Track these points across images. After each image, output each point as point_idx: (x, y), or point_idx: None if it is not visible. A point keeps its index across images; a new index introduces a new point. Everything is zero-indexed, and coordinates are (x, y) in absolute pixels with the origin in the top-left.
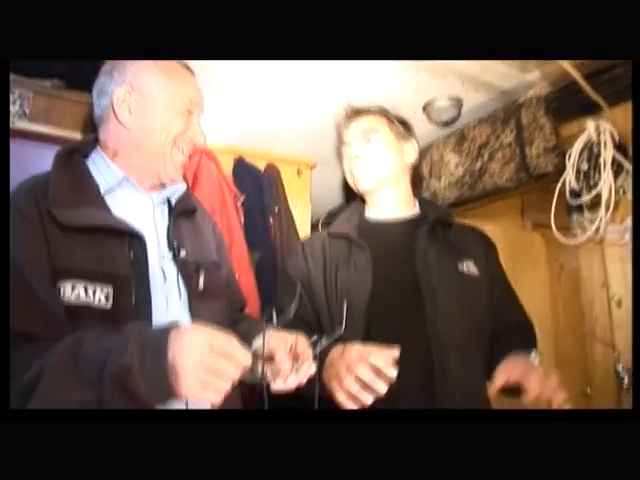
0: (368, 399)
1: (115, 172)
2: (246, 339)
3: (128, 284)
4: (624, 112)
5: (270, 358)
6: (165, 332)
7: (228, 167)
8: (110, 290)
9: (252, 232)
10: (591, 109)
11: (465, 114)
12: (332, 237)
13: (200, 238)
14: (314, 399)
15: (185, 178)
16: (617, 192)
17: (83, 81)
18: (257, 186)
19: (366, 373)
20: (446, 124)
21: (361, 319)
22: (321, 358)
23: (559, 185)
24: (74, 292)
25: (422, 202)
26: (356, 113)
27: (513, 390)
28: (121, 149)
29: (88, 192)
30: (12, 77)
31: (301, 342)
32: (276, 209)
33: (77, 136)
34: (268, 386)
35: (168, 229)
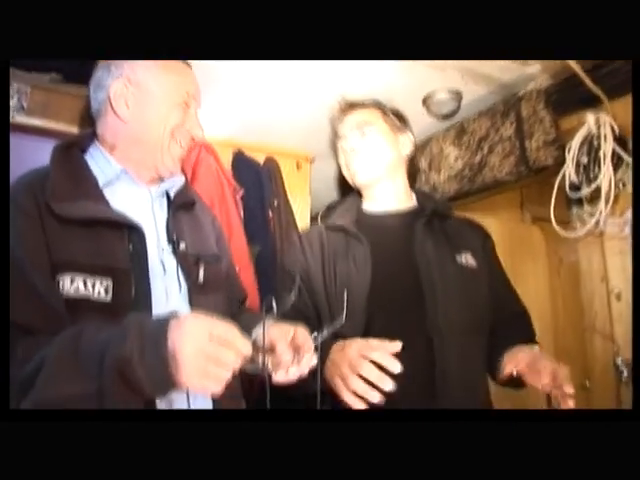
0: (375, 397)
1: (113, 165)
2: (246, 331)
3: (128, 277)
4: (624, 105)
5: (271, 350)
6: (164, 322)
7: (227, 161)
8: (110, 283)
9: (251, 226)
10: (591, 102)
11: (465, 107)
12: (330, 230)
13: (200, 231)
14: (316, 395)
15: (183, 171)
16: (617, 185)
17: (81, 75)
18: (256, 180)
19: (370, 371)
20: (446, 117)
21: (361, 312)
22: (322, 354)
23: (559, 178)
24: (73, 285)
25: (419, 194)
26: (350, 107)
27: (516, 382)
28: (119, 143)
29: (86, 185)
30: (10, 71)
31: (302, 334)
32: (275, 203)
33: (75, 130)
34: (270, 377)
35: (167, 222)
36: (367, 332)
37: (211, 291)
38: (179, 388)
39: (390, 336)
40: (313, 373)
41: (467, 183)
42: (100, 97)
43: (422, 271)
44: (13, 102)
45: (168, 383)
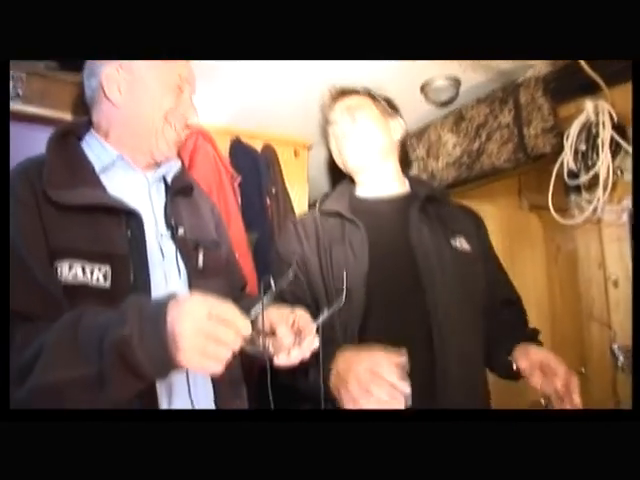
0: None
1: (109, 151)
2: (246, 313)
3: (126, 263)
4: (623, 92)
5: (272, 333)
6: (163, 303)
7: (225, 148)
8: (108, 269)
9: (249, 213)
10: (590, 89)
11: (463, 94)
12: (325, 216)
13: (198, 217)
14: (318, 397)
15: (180, 157)
16: (615, 173)
17: (77, 62)
18: (254, 167)
19: (384, 393)
20: (444, 104)
21: (360, 296)
22: (324, 358)
23: (557, 166)
24: (71, 272)
25: (412, 180)
26: (341, 93)
27: (516, 375)
28: (113, 128)
29: (83, 172)
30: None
31: (303, 317)
32: (273, 190)
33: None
34: (271, 360)
35: (165, 207)
36: (367, 316)
37: (211, 276)
38: (179, 369)
39: (390, 318)
40: (316, 357)
41: (465, 170)
42: (93, 84)
43: (419, 255)
44: None
45: (168, 364)
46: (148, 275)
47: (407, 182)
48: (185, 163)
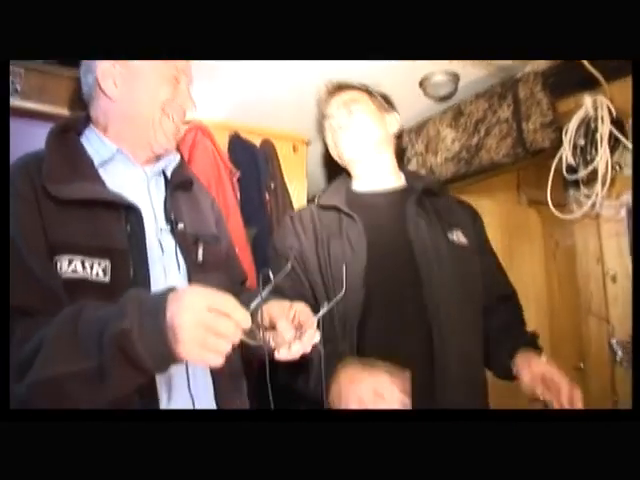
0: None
1: (108, 146)
2: (246, 306)
3: (126, 257)
4: (622, 87)
5: (272, 327)
6: (163, 296)
7: (223, 143)
8: (107, 264)
9: (248, 208)
10: (589, 84)
11: (462, 89)
12: (321, 209)
13: (198, 211)
14: (317, 404)
15: (180, 151)
16: (613, 168)
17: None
18: (253, 162)
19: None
20: (443, 99)
21: (359, 290)
22: (327, 371)
23: (555, 161)
24: (71, 267)
25: (407, 174)
26: (337, 88)
27: (513, 376)
28: (111, 123)
29: (82, 167)
30: None
31: (304, 311)
32: (272, 185)
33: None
34: (270, 354)
35: (165, 202)
36: (365, 311)
37: (210, 271)
38: (179, 361)
39: (388, 316)
40: (315, 349)
41: (464, 165)
42: (89, 80)
43: (416, 248)
44: None
45: (168, 357)
46: (148, 270)
47: (403, 176)
48: (184, 157)
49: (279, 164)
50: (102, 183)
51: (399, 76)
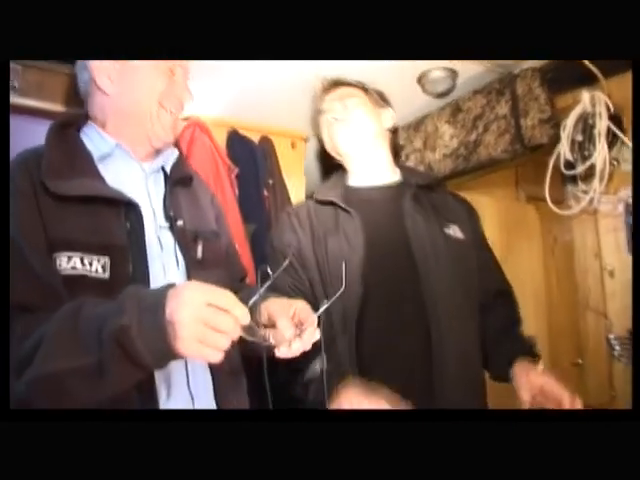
0: None
1: (108, 141)
2: (245, 302)
3: (125, 254)
4: (619, 83)
5: (272, 325)
6: (162, 291)
7: (222, 140)
8: (107, 261)
9: (246, 205)
10: (586, 80)
11: (460, 85)
12: (318, 204)
13: (198, 207)
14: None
15: (179, 146)
16: (611, 163)
17: None
18: (251, 159)
19: None
20: (441, 95)
21: (357, 286)
22: (328, 387)
23: (553, 157)
24: (70, 263)
25: (403, 169)
26: (333, 85)
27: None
28: (109, 118)
29: (82, 163)
30: None
31: (304, 309)
32: (270, 182)
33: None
34: (269, 351)
35: (165, 198)
36: (364, 305)
37: (210, 268)
38: (178, 358)
39: (386, 309)
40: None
41: (462, 162)
42: (85, 77)
43: (414, 243)
44: None
45: (167, 353)
46: (147, 267)
47: (399, 171)
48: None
49: (277, 160)
50: (102, 179)
51: (397, 72)
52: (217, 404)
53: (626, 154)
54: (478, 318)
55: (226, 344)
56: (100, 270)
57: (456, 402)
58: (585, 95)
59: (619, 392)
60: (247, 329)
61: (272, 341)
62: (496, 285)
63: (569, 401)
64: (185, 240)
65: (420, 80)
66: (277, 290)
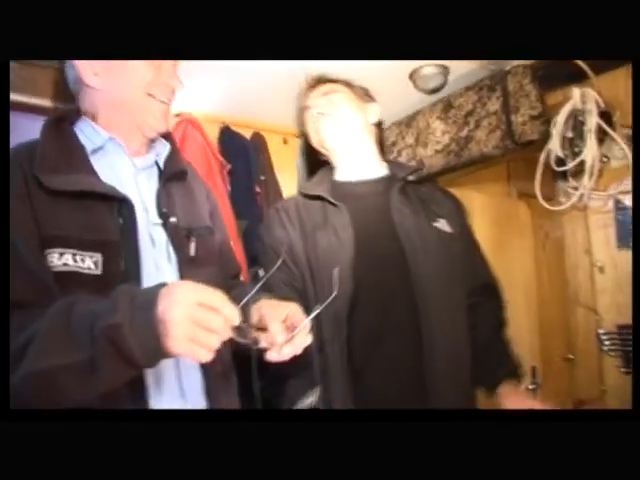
0: None
1: (101, 134)
2: (238, 302)
3: (118, 250)
4: (609, 80)
5: (264, 327)
6: (155, 290)
7: (214, 136)
8: (99, 257)
9: (239, 201)
10: (577, 77)
11: (452, 82)
12: (306, 199)
13: (193, 202)
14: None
15: (173, 139)
16: (601, 160)
17: None
18: (243, 155)
19: None
20: (432, 92)
21: (347, 281)
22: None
23: (544, 153)
24: (62, 260)
25: (390, 163)
26: (317, 81)
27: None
28: (100, 112)
29: (76, 158)
30: None
31: (296, 312)
32: (262, 178)
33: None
34: (260, 354)
35: (158, 195)
36: (355, 305)
37: (203, 265)
38: (169, 356)
39: (377, 309)
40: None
41: (454, 157)
42: (72, 75)
43: (402, 236)
44: None
45: (158, 351)
46: (139, 263)
47: (386, 165)
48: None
49: (269, 156)
50: (96, 175)
51: (389, 69)
52: (208, 402)
53: (615, 151)
54: (467, 318)
55: (216, 343)
56: (92, 266)
57: (449, 402)
58: (575, 92)
59: (609, 387)
60: (238, 331)
61: (263, 344)
62: (483, 280)
63: None
64: (178, 237)
65: (412, 76)
66: (270, 286)
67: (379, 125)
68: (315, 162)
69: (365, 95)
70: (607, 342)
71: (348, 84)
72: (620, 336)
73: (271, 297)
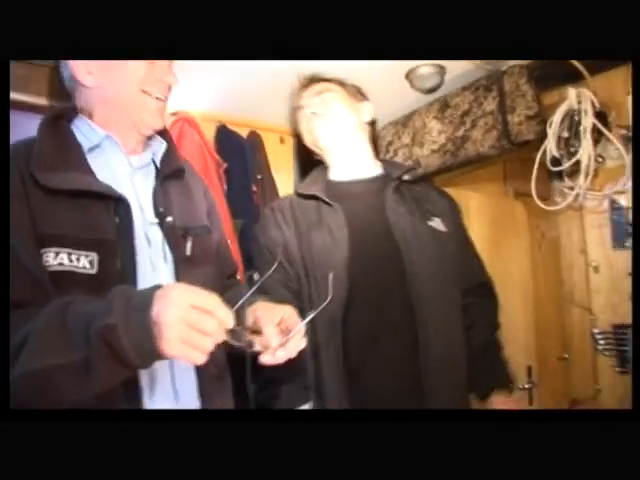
0: None
1: (98, 132)
2: (233, 304)
3: (114, 249)
4: (605, 80)
5: (258, 331)
6: (150, 291)
7: (210, 134)
8: (95, 256)
9: (235, 200)
10: (573, 77)
11: (448, 82)
12: (300, 198)
13: (190, 201)
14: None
15: (169, 137)
16: (596, 160)
17: None
18: (240, 154)
19: None
20: (429, 91)
21: (343, 281)
22: None
23: (540, 153)
24: (57, 259)
25: (384, 162)
26: (310, 81)
27: None
28: (95, 110)
29: (73, 156)
30: None
31: (291, 316)
32: (259, 177)
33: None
34: (253, 356)
35: (155, 194)
36: (350, 307)
37: (199, 265)
38: (164, 358)
39: (372, 310)
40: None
41: (450, 157)
42: (67, 74)
43: (397, 235)
44: None
45: (153, 353)
46: (135, 262)
47: (380, 165)
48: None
49: (266, 155)
50: (92, 173)
51: (385, 68)
52: (202, 404)
53: (611, 151)
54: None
55: (210, 346)
56: (88, 266)
57: (445, 402)
58: (571, 92)
59: (604, 386)
60: (232, 333)
61: (257, 347)
62: (479, 279)
63: None
64: (174, 237)
65: (408, 76)
66: (265, 288)
67: (372, 124)
68: (309, 162)
69: (358, 94)
70: (602, 342)
71: (341, 83)
72: (615, 336)
73: (266, 299)
